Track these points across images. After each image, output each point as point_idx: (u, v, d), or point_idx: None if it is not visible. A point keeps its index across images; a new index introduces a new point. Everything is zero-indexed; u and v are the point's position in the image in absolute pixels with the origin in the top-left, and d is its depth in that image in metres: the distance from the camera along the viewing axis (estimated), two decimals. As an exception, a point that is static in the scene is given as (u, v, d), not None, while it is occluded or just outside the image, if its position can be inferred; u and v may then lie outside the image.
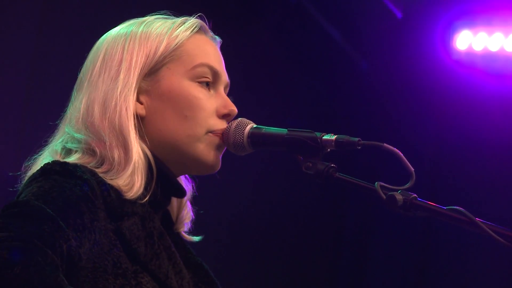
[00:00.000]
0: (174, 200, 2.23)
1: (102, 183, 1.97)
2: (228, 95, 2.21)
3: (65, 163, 1.96)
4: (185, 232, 2.26)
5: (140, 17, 2.22)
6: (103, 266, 1.90)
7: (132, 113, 2.07)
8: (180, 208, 2.24)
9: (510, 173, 5.92)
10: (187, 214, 2.25)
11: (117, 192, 1.98)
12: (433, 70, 6.08)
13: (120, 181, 1.99)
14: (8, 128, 3.83)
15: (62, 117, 2.16)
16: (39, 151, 2.13)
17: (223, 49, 2.25)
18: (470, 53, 6.02)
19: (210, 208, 2.34)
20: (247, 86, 5.18)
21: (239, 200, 5.35)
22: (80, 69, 2.18)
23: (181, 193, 2.17)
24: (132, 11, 2.24)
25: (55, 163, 1.95)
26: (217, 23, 2.28)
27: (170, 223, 2.21)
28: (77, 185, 1.90)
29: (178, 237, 2.23)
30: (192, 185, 2.26)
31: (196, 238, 2.27)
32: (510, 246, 1.86)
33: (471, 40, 6.00)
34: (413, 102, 6.28)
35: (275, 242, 5.89)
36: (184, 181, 2.23)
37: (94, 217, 1.89)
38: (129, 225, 1.96)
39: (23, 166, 2.11)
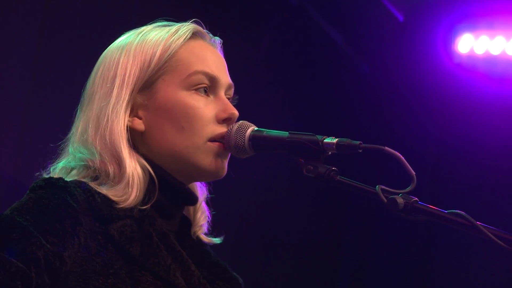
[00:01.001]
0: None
1: (88, 190, 1.99)
2: (234, 98, 2.21)
3: (50, 177, 1.99)
4: (205, 234, 2.27)
5: (140, 19, 2.21)
6: (92, 268, 1.91)
7: (124, 128, 2.08)
8: (195, 211, 2.25)
9: (511, 177, 5.92)
10: (202, 215, 2.26)
11: (104, 198, 2.00)
12: (434, 73, 6.08)
13: (114, 193, 2.01)
14: (9, 131, 3.83)
15: (67, 137, 2.17)
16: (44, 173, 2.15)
17: (225, 51, 2.25)
18: (471, 57, 6.02)
19: (213, 211, 2.34)
20: (249, 89, 5.16)
21: (241, 202, 5.35)
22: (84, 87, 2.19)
23: (191, 200, 2.18)
24: (133, 14, 2.23)
25: (41, 179, 1.99)
26: (218, 26, 2.28)
27: (187, 227, 2.22)
28: (56, 194, 1.93)
29: (196, 241, 2.23)
30: (207, 187, 2.27)
31: (216, 240, 2.29)
32: (511, 250, 1.86)
33: (472, 44, 6.00)
34: (414, 105, 6.28)
35: (276, 244, 5.89)
36: (198, 184, 2.24)
37: (75, 221, 1.91)
38: (118, 227, 1.97)
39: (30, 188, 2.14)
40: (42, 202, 1.90)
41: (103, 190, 2.01)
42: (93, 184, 2.01)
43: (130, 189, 2.02)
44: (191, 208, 2.24)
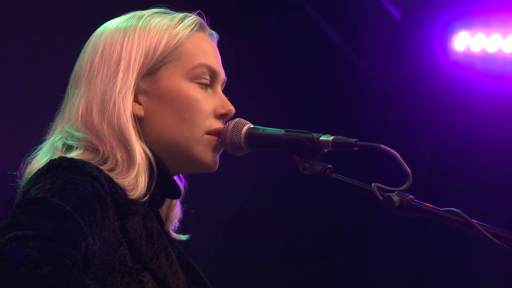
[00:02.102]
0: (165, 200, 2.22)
1: (109, 180, 1.96)
2: (224, 93, 2.21)
3: (73, 159, 1.95)
4: (173, 231, 2.25)
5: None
6: (111, 263, 1.90)
7: (131, 114, 2.06)
8: (170, 207, 2.23)
9: (507, 175, 5.92)
10: (176, 213, 2.24)
11: (123, 190, 1.98)
12: (431, 71, 6.08)
13: (125, 181, 1.99)
14: (6, 127, 3.83)
15: (59, 112, 2.14)
16: (36, 148, 2.11)
17: (221, 48, 2.25)
18: (468, 54, 6.02)
19: (206, 208, 2.34)
20: (245, 87, 5.17)
21: (235, 199, 5.35)
22: (77, 61, 2.15)
23: (176, 193, 2.17)
24: (131, 9, 2.23)
25: (62, 159, 1.94)
26: (214, 23, 2.28)
27: (161, 222, 2.20)
28: (88, 182, 1.89)
29: (169, 236, 2.22)
30: (184, 184, 2.25)
31: (183, 237, 2.26)
32: (506, 248, 1.86)
33: (469, 41, 6.00)
34: (411, 103, 6.28)
35: (271, 242, 5.88)
36: (177, 179, 2.22)
37: (105, 214, 1.89)
38: (133, 224, 1.96)
39: (22, 162, 2.09)
40: (79, 190, 1.85)
41: (118, 180, 1.98)
42: (107, 171, 1.98)
43: (139, 177, 2.01)
44: (166, 204, 2.21)
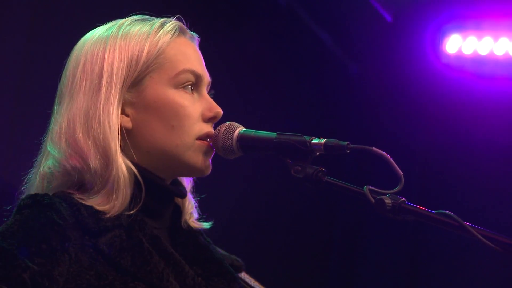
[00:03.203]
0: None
1: (74, 204, 1.98)
2: (216, 95, 2.21)
3: (36, 195, 1.98)
4: (196, 219, 2.26)
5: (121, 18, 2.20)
6: (86, 281, 1.91)
7: (117, 129, 2.06)
8: (183, 200, 2.23)
9: (500, 176, 5.93)
10: (190, 204, 2.25)
11: (91, 210, 1.98)
12: (423, 73, 6.09)
13: (98, 201, 2.00)
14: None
15: (47, 131, 2.13)
16: (30, 173, 2.13)
17: (212, 52, 2.25)
18: (459, 57, 6.04)
19: (200, 210, 2.33)
20: (237, 89, 5.17)
21: (228, 202, 5.35)
22: (60, 78, 2.15)
23: (179, 195, 2.18)
24: (124, 10, 2.22)
25: (26, 197, 1.98)
26: (206, 26, 2.28)
27: (179, 219, 2.21)
28: (42, 213, 1.92)
29: (189, 232, 2.22)
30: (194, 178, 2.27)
31: (206, 225, 2.28)
32: (498, 250, 1.86)
33: (460, 44, 6.02)
34: (402, 105, 6.29)
35: (264, 244, 5.88)
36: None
37: (62, 238, 1.90)
38: (107, 240, 1.96)
39: (18, 193, 2.12)
40: (28, 224, 1.89)
41: (89, 201, 1.99)
42: (78, 196, 2.00)
43: (115, 196, 2.01)
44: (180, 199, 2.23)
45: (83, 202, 1.99)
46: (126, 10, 2.22)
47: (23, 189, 2.12)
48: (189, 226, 2.23)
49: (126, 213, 2.02)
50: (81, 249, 1.92)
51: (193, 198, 2.27)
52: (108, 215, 1.99)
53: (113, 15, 2.21)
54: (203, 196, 2.31)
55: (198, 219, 2.27)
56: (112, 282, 1.93)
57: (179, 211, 2.22)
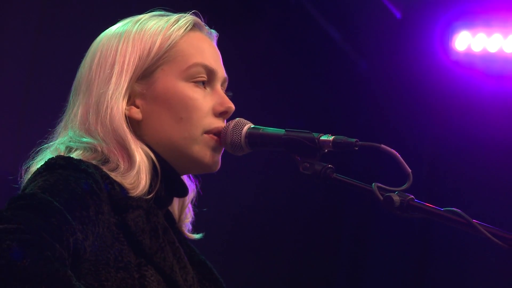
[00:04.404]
0: (176, 201, 2.24)
1: (106, 177, 1.97)
2: (228, 91, 2.21)
3: (69, 157, 1.97)
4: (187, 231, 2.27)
5: (138, 14, 2.21)
6: (105, 259, 1.90)
7: (123, 115, 2.07)
8: (182, 208, 2.24)
9: (508, 175, 5.92)
10: (188, 214, 2.26)
11: (121, 186, 1.99)
12: (432, 70, 6.08)
13: (126, 180, 2.00)
14: (6, 129, 3.83)
15: (61, 119, 2.16)
16: (38, 152, 2.12)
17: (222, 48, 2.25)
18: (469, 54, 6.03)
19: (209, 208, 2.34)
20: (245, 86, 5.17)
21: (237, 200, 5.35)
22: (78, 69, 2.17)
23: (183, 192, 2.18)
24: (132, 9, 2.23)
25: (59, 157, 1.96)
26: (215, 22, 2.28)
27: (172, 221, 2.21)
28: (82, 178, 1.90)
29: (181, 235, 2.23)
30: (196, 184, 2.27)
31: (197, 236, 2.27)
32: (507, 248, 1.86)
33: (470, 41, 6.01)
34: (411, 102, 6.28)
35: (273, 242, 5.89)
36: (187, 180, 2.24)
37: (98, 209, 1.89)
38: (134, 217, 1.96)
39: (23, 167, 2.10)
40: (71, 186, 1.87)
41: (117, 177, 2.00)
42: (106, 170, 2.00)
43: (140, 177, 2.02)
44: (178, 204, 2.24)
45: (114, 178, 1.99)
46: (134, 6, 2.22)
47: (30, 163, 2.09)
48: (181, 231, 2.24)
49: (145, 197, 2.02)
50: (108, 226, 1.92)
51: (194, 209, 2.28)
52: (134, 195, 1.99)
53: (125, 14, 2.22)
54: (197, 210, 2.30)
55: (192, 231, 2.27)
56: (128, 265, 1.92)
57: (171, 214, 2.22)
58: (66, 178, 1.88)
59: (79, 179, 1.89)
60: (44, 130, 2.17)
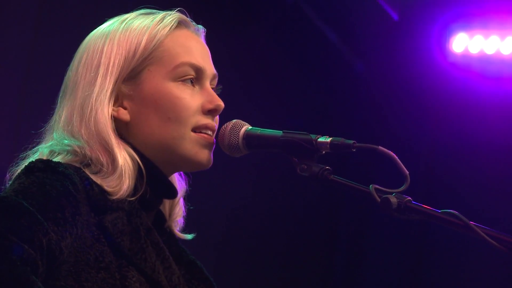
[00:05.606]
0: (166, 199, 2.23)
1: (85, 178, 1.97)
2: (222, 93, 2.20)
3: (48, 160, 1.97)
4: (178, 230, 2.25)
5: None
6: (85, 259, 1.90)
7: (108, 118, 2.06)
8: (172, 205, 2.24)
9: (506, 176, 5.92)
10: (179, 211, 2.25)
11: (100, 188, 1.98)
12: (429, 72, 6.09)
13: (107, 183, 2.00)
14: (4, 126, 3.82)
15: (49, 123, 2.15)
16: (25, 158, 2.12)
17: (218, 49, 2.24)
18: (466, 56, 6.03)
19: (205, 209, 2.34)
20: (243, 87, 5.17)
21: (234, 200, 5.35)
22: (66, 71, 2.17)
23: (172, 193, 2.17)
24: (129, 9, 2.22)
25: (38, 160, 1.96)
26: (212, 24, 2.27)
27: (162, 221, 2.21)
28: (58, 180, 1.90)
29: (171, 235, 2.22)
30: (186, 181, 2.26)
31: (188, 236, 2.26)
32: (504, 250, 1.86)
33: (467, 43, 6.01)
34: (409, 104, 6.28)
35: (269, 243, 5.89)
36: (177, 178, 2.23)
37: (75, 211, 1.90)
38: (112, 219, 1.96)
39: (8, 171, 2.10)
40: (46, 188, 1.87)
41: (98, 179, 1.99)
42: (87, 172, 1.99)
43: (123, 180, 2.01)
44: (168, 202, 2.23)
45: (94, 179, 1.99)
46: (130, 6, 2.22)
47: (16, 167, 2.09)
48: (171, 231, 2.23)
49: (128, 199, 2.02)
50: (87, 226, 1.92)
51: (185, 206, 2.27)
52: (114, 197, 1.99)
53: (122, 13, 2.21)
54: (192, 207, 2.29)
55: (182, 230, 2.26)
56: (109, 265, 1.92)
57: (162, 214, 2.21)
58: (41, 180, 1.89)
59: (55, 181, 1.89)
60: (42, 129, 2.17)
